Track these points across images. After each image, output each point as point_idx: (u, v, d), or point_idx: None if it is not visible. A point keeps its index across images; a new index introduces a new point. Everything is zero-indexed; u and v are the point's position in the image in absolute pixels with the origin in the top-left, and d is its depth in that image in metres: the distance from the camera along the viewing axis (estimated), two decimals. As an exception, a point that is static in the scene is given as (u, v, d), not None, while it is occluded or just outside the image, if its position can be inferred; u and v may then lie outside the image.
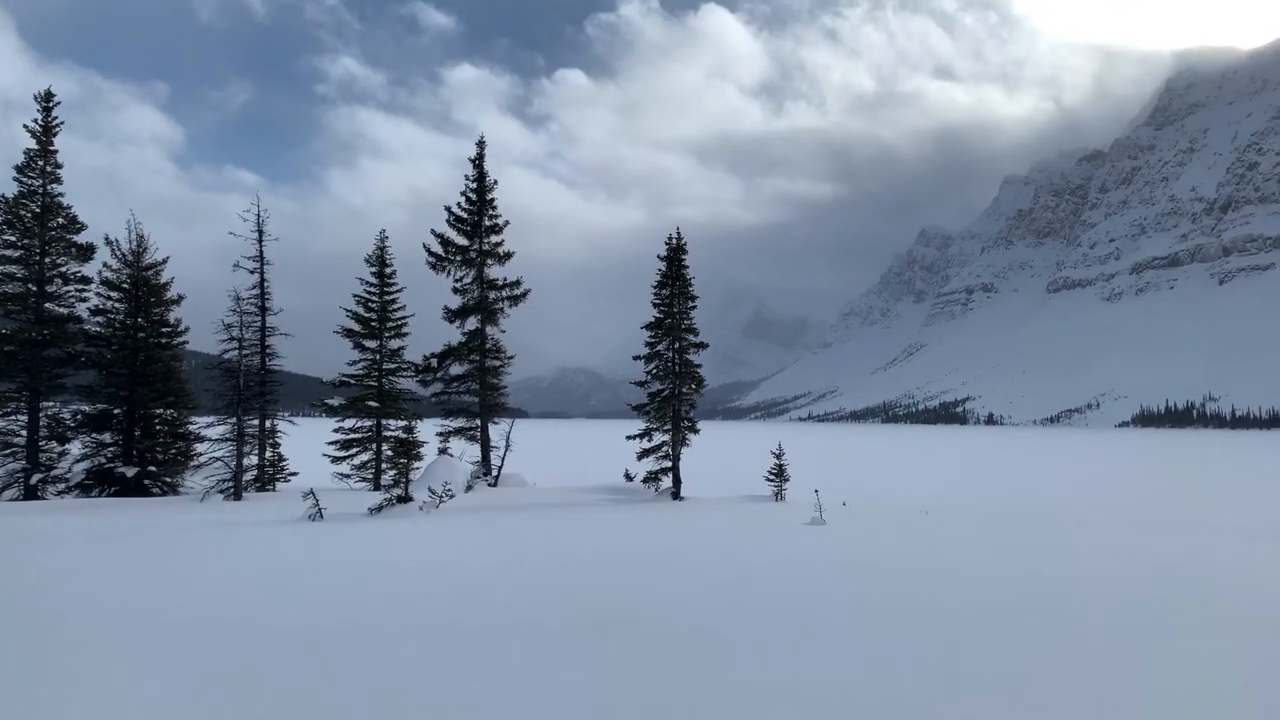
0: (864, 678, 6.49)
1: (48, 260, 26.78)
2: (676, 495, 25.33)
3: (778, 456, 25.42)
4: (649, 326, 26.02)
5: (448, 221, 31.20)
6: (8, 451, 26.07)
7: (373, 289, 30.92)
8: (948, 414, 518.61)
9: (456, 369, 31.37)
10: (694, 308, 26.21)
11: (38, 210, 26.45)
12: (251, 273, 29.02)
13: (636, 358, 26.48)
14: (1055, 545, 15.69)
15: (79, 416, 27.66)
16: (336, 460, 30.07)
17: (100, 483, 26.89)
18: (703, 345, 26.36)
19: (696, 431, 26.58)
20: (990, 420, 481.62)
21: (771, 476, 25.35)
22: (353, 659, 6.85)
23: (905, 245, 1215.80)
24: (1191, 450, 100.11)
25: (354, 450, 30.33)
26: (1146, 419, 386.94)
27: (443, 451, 29.55)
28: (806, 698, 6.01)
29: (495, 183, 31.75)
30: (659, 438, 25.97)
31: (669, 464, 25.84)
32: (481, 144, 32.01)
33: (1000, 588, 10.58)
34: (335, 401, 30.16)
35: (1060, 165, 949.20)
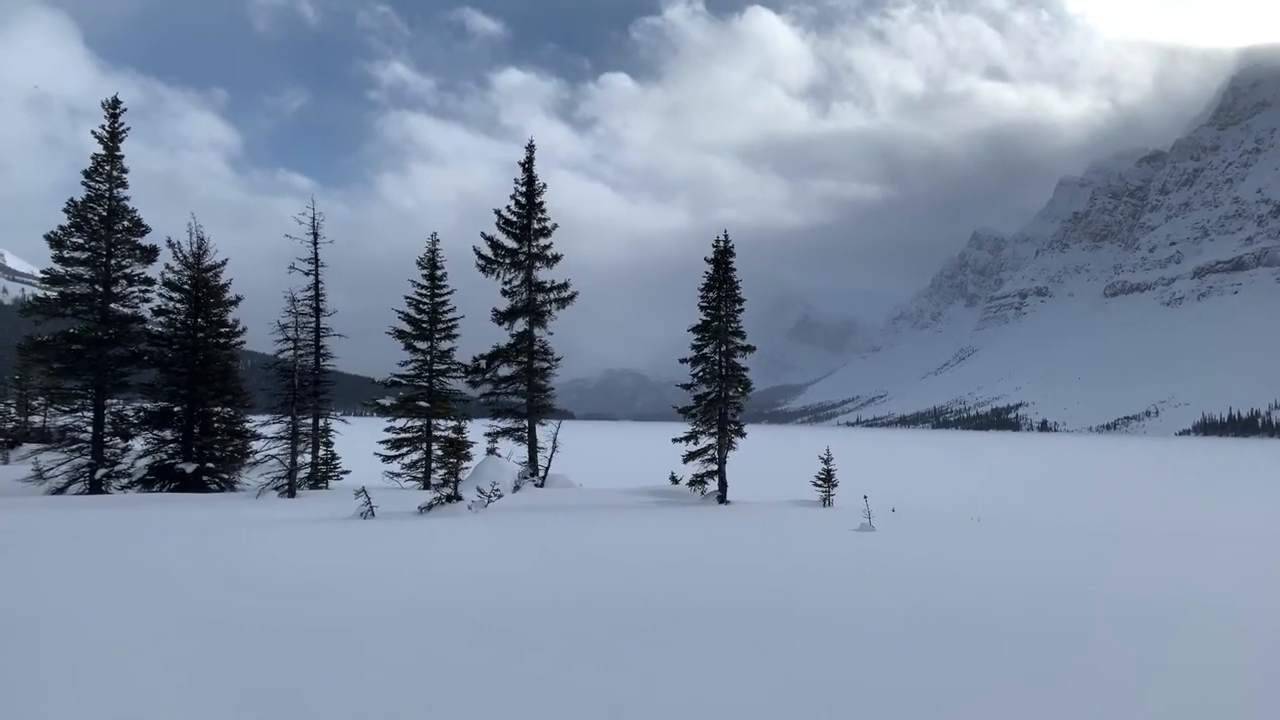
0: (904, 684, 6.42)
1: (113, 262, 27.65)
2: (722, 499, 25.25)
3: (825, 461, 25.20)
4: (695, 329, 25.97)
5: (497, 225, 31.53)
6: (74, 447, 26.95)
7: (424, 291, 31.35)
8: (1000, 420, 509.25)
9: (505, 370, 31.67)
10: (741, 310, 26.09)
11: (104, 214, 27.32)
12: (306, 274, 29.69)
13: (683, 360, 26.44)
14: (1111, 558, 15.34)
15: (141, 413, 28.52)
16: (387, 459, 30.54)
17: (161, 478, 27.67)
18: (750, 348, 26.23)
19: (743, 435, 26.46)
20: (1044, 427, 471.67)
21: (819, 481, 25.14)
22: (392, 647, 6.98)
23: (957, 248, 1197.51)
24: (1255, 460, 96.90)
25: (404, 449, 30.76)
26: (1208, 427, 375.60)
27: (491, 452, 29.82)
28: (843, 703, 5.97)
29: (544, 186, 32.02)
30: (705, 441, 25.89)
31: (715, 467, 25.76)
32: (531, 148, 32.29)
33: (1052, 598, 10.35)
34: (387, 401, 30.63)
35: (1118, 166, 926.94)
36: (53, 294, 27.07)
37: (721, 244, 25.95)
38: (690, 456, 25.92)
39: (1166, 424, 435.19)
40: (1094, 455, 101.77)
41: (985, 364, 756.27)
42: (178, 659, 6.78)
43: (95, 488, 26.24)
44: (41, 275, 27.65)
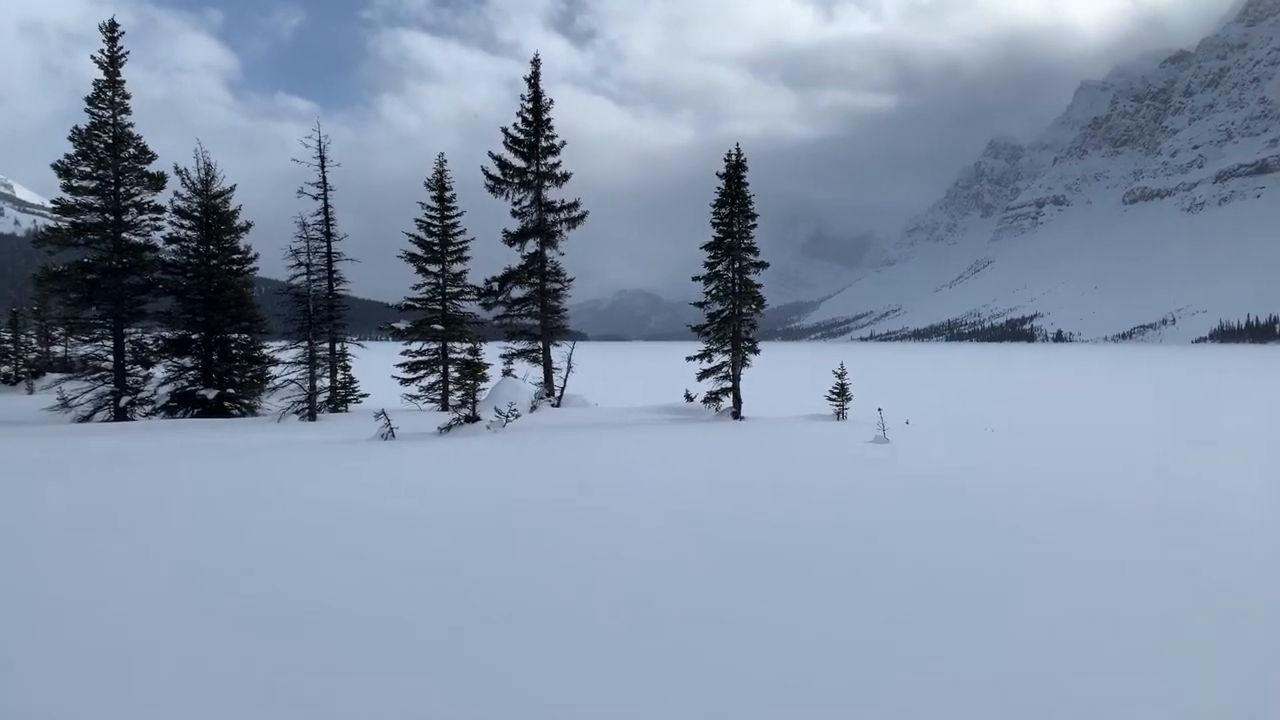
0: (922, 587, 6.60)
1: (122, 190, 27.54)
2: (737, 415, 25.47)
3: (839, 376, 25.30)
4: (708, 246, 25.77)
5: (504, 143, 31.07)
6: (96, 375, 27.37)
7: (433, 213, 31.12)
8: (1014, 331, 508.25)
9: (518, 292, 31.67)
10: (754, 226, 25.83)
11: (110, 141, 27.10)
12: (315, 199, 29.52)
13: (696, 278, 26.33)
14: (1122, 462, 15.46)
15: (160, 341, 28.81)
16: (405, 382, 30.84)
17: (183, 404, 28.13)
18: (763, 265, 26.07)
19: (757, 352, 26.53)
20: (1059, 337, 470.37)
21: (833, 396, 25.28)
22: (433, 547, 7.24)
23: (973, 157, 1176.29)
24: (1271, 365, 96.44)
25: (421, 372, 31.02)
26: (1225, 334, 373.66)
27: (507, 373, 30.08)
28: (864, 609, 6.16)
29: (551, 102, 31.42)
30: (719, 358, 25.97)
31: (729, 384, 25.91)
32: (536, 62, 31.59)
33: (1061, 502, 10.52)
34: (401, 325, 30.78)
35: (1141, 68, 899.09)
36: (64, 224, 27.07)
37: (733, 159, 25.53)
38: (704, 374, 26.06)
39: (1184, 332, 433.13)
40: (1107, 364, 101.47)
41: (1000, 275, 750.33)
42: (221, 564, 7.04)
43: (120, 415, 26.71)
44: (52, 205, 27.59)
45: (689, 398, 28.68)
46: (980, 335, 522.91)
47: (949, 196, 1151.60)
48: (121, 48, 27.40)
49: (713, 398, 26.14)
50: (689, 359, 26.38)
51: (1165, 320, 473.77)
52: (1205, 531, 9.13)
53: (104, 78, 26.98)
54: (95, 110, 26.97)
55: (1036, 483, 12.37)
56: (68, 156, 26.62)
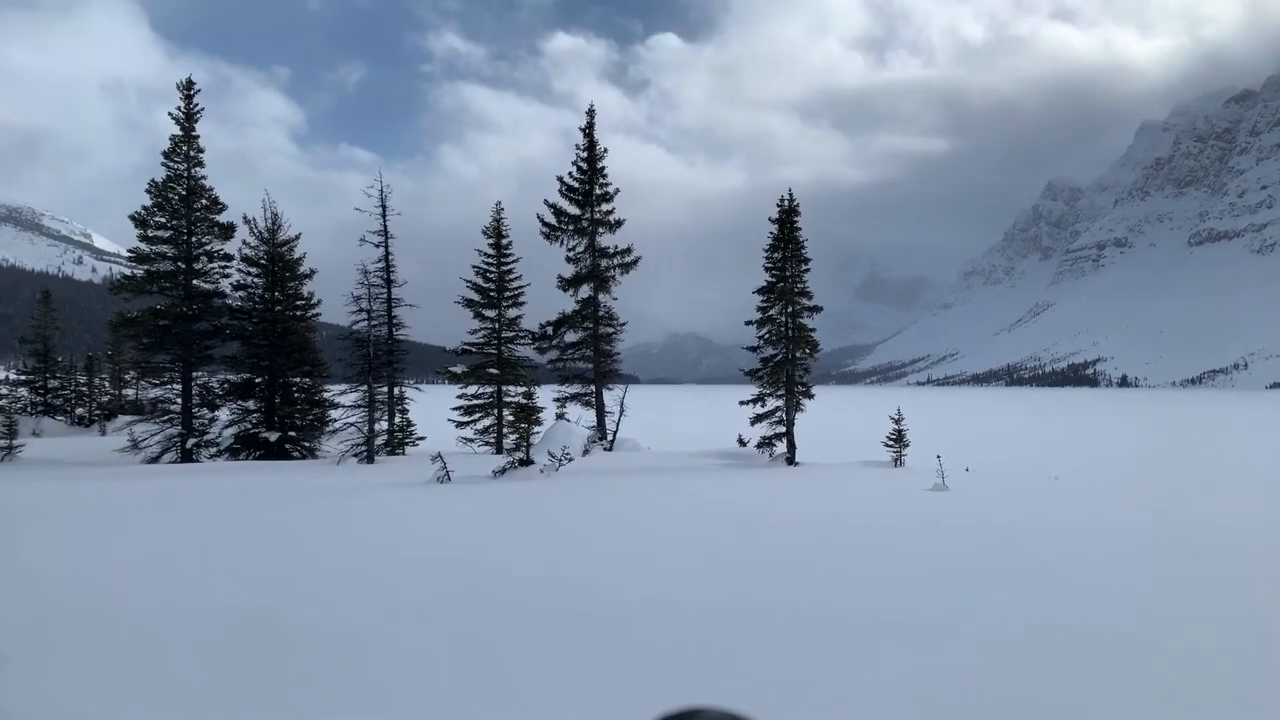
0: (989, 639, 6.41)
1: (194, 239, 28.65)
2: (791, 460, 25.17)
3: (897, 421, 24.90)
4: (761, 291, 25.75)
5: (559, 191, 31.66)
6: (165, 418, 28.23)
7: (490, 260, 31.69)
8: (1077, 376, 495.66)
9: (571, 336, 31.99)
10: (807, 270, 25.76)
11: (184, 193, 28.29)
12: (376, 246, 30.26)
13: (749, 323, 26.27)
14: (1195, 512, 14.90)
15: (226, 385, 29.67)
16: (461, 425, 31.17)
17: (247, 447, 28.81)
18: (817, 309, 25.93)
19: (811, 396, 26.26)
20: (1124, 382, 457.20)
21: (890, 442, 24.87)
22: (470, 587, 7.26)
23: (1030, 200, 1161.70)
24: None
25: (477, 415, 31.35)
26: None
27: (560, 417, 30.25)
28: (935, 667, 5.99)
29: (605, 151, 31.99)
30: (772, 403, 25.76)
31: (783, 429, 25.65)
32: (591, 112, 32.26)
33: (1129, 551, 10.15)
34: (458, 369, 31.21)
35: (1204, 108, 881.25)
36: (139, 272, 28.22)
37: (786, 203, 25.59)
38: (758, 419, 25.86)
39: (1257, 377, 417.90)
40: (1179, 409, 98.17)
41: (1061, 319, 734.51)
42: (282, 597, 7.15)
43: (186, 456, 27.46)
44: (128, 254, 28.81)
45: (742, 442, 28.47)
46: (1041, 380, 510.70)
47: (1006, 239, 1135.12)
48: (197, 104, 28.70)
49: (766, 443, 25.88)
50: (742, 403, 26.23)
51: (1237, 365, 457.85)
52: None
53: (180, 133, 28.25)
54: (171, 164, 28.21)
55: (1110, 534, 11.98)
56: (144, 208, 27.83)
